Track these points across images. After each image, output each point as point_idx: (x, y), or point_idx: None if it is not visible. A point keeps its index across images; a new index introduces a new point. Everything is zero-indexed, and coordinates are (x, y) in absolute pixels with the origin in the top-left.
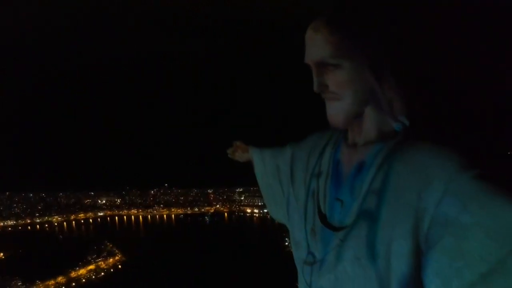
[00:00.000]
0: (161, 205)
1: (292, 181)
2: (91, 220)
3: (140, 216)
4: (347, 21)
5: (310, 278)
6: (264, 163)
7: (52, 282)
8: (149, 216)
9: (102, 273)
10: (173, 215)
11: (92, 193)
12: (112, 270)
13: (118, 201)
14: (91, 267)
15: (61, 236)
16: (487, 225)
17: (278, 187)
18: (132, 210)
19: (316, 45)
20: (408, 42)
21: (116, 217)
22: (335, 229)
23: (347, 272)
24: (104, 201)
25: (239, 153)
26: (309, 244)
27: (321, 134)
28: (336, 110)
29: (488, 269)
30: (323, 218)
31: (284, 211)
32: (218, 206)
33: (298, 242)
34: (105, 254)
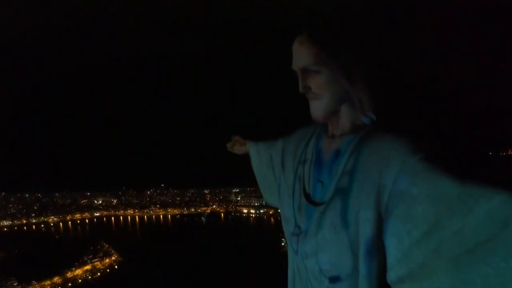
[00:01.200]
0: (158, 206)
1: (283, 168)
2: (87, 221)
3: (137, 217)
4: (324, 37)
5: (297, 246)
6: (259, 155)
7: (48, 282)
8: (145, 216)
9: (98, 274)
10: (169, 216)
11: (88, 193)
12: (108, 270)
13: (114, 201)
14: (87, 267)
15: (57, 237)
16: (429, 194)
17: (271, 174)
18: (129, 211)
19: (301, 55)
20: (373, 54)
21: (113, 218)
22: (317, 204)
23: (325, 237)
24: (100, 202)
25: (238, 146)
26: (296, 219)
27: (306, 128)
28: (317, 108)
29: (429, 228)
30: (307, 196)
31: (276, 195)
32: (214, 206)
33: (287, 218)
34: (101, 254)
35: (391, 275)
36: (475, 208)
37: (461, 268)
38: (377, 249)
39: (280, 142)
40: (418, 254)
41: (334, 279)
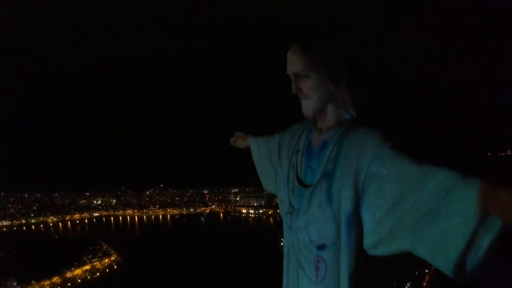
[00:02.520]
0: (157, 206)
1: (279, 158)
2: (86, 221)
3: (136, 217)
4: (313, 48)
5: (290, 222)
6: (259, 148)
7: (47, 282)
8: (144, 216)
9: (98, 273)
10: (168, 216)
11: (88, 193)
12: (107, 270)
13: (114, 201)
14: (87, 267)
15: (56, 237)
16: (394, 175)
17: (269, 164)
18: (128, 211)
19: (294, 63)
20: (353, 62)
21: (112, 218)
22: (307, 186)
23: (314, 213)
24: (99, 202)
25: (240, 141)
26: (290, 200)
27: (299, 124)
28: (307, 106)
29: (395, 201)
30: (299, 180)
31: (273, 182)
32: (213, 206)
33: (283, 200)
34: (100, 254)
35: (367, 242)
36: (427, 183)
37: (417, 231)
38: (355, 221)
39: (277, 136)
40: (387, 223)
41: (321, 247)
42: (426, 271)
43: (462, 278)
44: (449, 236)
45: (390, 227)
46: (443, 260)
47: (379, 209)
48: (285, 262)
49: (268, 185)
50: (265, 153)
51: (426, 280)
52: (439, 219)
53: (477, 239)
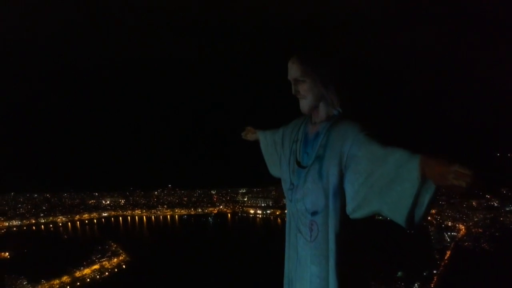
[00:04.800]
0: (165, 206)
1: (283, 147)
2: (95, 221)
3: (144, 217)
4: (308, 59)
5: (291, 196)
6: (266, 140)
7: (57, 281)
8: (152, 216)
9: (107, 273)
10: (176, 216)
11: (96, 193)
12: (116, 270)
13: (122, 201)
14: (96, 267)
15: (65, 236)
16: (367, 156)
17: (274, 152)
18: (136, 211)
19: (293, 70)
20: (339, 70)
21: (120, 218)
22: (304, 167)
23: (308, 188)
24: (108, 202)
25: (250, 134)
26: (291, 179)
27: (298, 119)
28: (304, 105)
29: (367, 175)
30: (298, 163)
31: (278, 167)
32: (221, 207)
33: (285, 179)
34: (109, 254)
35: (348, 208)
36: (388, 160)
37: (383, 195)
38: (340, 192)
39: (281, 129)
40: (362, 192)
41: (314, 213)
42: (435, 272)
43: (412, 227)
44: (401, 197)
45: (364, 195)
46: (399, 215)
47: (357, 181)
48: (287, 228)
49: (273, 170)
50: (271, 143)
51: (434, 281)
52: (396, 185)
53: (420, 197)
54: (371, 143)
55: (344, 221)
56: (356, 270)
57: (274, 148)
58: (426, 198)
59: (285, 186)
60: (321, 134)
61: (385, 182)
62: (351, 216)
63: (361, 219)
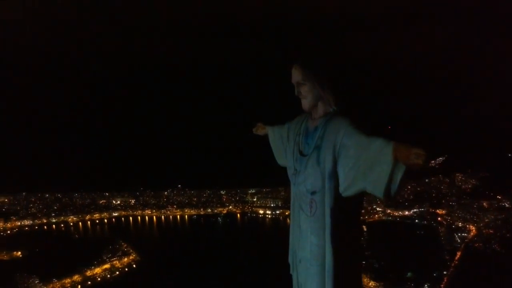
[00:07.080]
0: (175, 206)
1: (288, 139)
2: (106, 220)
3: (154, 217)
4: (308, 66)
5: (294, 180)
6: (274, 134)
7: (68, 280)
8: (162, 216)
9: (117, 272)
10: (186, 216)
11: (107, 193)
12: (126, 269)
13: (132, 201)
14: (106, 266)
15: (76, 236)
16: (355, 144)
17: (281, 145)
18: (146, 211)
19: (296, 75)
20: (335, 75)
21: (130, 218)
22: (305, 156)
23: (309, 172)
24: (118, 202)
25: (260, 130)
26: (294, 165)
27: (301, 116)
28: (305, 104)
29: (355, 160)
30: (300, 152)
31: (284, 158)
32: (230, 207)
33: (290, 166)
34: (119, 253)
35: (341, 188)
36: (371, 147)
37: (366, 176)
38: (334, 175)
39: (287, 124)
40: (351, 174)
41: (313, 193)
42: (445, 272)
43: (389, 200)
44: (380, 176)
45: (353, 176)
46: (378, 190)
47: (347, 166)
48: (291, 207)
49: (280, 160)
50: (278, 137)
51: (444, 282)
52: (376, 167)
53: (394, 176)
54: (358, 134)
55: (338, 198)
56: (348, 239)
57: (281, 141)
58: (398, 176)
59: (289, 172)
60: (319, 128)
61: (368, 165)
62: (343, 194)
63: (351, 197)
